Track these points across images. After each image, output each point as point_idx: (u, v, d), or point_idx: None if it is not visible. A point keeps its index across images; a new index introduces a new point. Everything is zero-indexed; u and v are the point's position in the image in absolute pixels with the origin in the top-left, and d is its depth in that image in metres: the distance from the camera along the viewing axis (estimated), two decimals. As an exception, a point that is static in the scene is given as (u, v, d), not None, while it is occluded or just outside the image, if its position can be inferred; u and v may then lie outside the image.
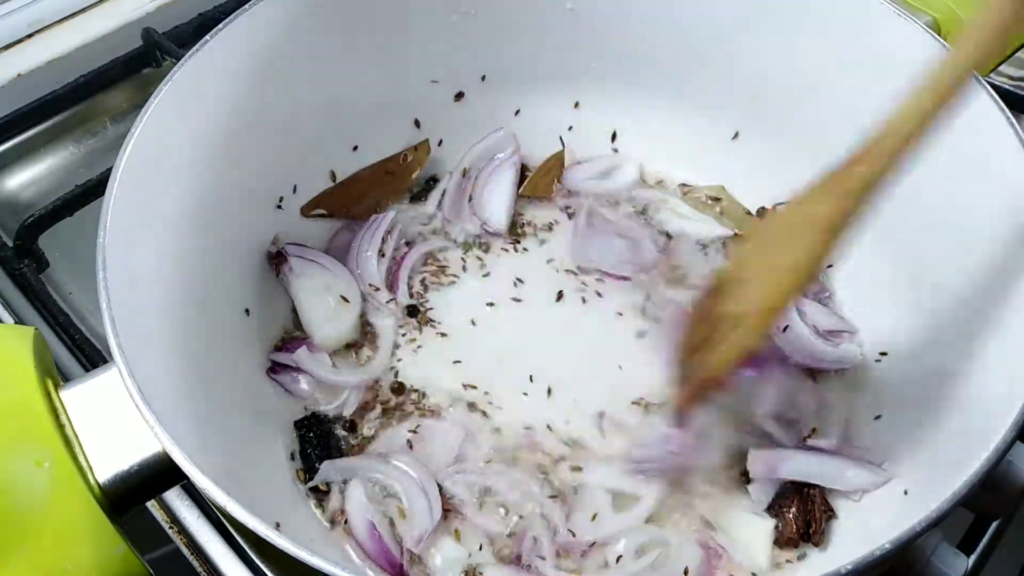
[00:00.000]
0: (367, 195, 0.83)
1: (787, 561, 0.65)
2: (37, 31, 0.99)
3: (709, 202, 0.85)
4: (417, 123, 0.85)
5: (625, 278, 0.80)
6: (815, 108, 0.77)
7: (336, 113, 0.80)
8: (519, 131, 0.86)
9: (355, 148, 0.83)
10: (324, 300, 0.76)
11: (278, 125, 0.74)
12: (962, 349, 0.62)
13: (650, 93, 0.85)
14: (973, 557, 0.68)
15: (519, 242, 0.83)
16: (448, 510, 0.66)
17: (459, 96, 0.86)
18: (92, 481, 0.50)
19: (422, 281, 0.80)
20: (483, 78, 0.85)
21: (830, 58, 0.74)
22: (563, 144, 0.86)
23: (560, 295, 0.79)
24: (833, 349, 0.74)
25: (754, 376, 0.71)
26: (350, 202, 0.82)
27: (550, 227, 0.84)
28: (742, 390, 0.70)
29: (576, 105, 0.88)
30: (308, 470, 0.68)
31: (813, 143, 0.79)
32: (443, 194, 0.84)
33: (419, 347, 0.76)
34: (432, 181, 0.86)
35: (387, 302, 0.77)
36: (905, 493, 0.59)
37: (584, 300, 0.79)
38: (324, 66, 0.76)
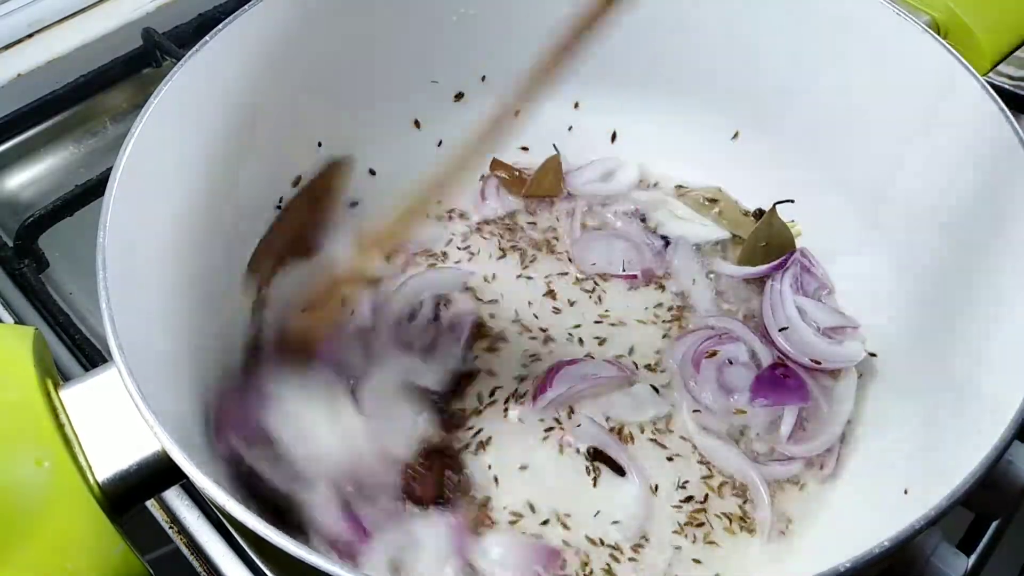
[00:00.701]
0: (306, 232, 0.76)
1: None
2: (37, 31, 0.99)
3: (706, 203, 0.85)
4: (417, 123, 0.85)
5: (626, 277, 0.80)
6: (814, 108, 0.77)
7: (337, 113, 0.80)
8: (519, 131, 0.86)
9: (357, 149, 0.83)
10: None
11: (278, 125, 0.74)
12: (961, 348, 0.62)
13: (650, 94, 0.85)
14: (973, 557, 0.69)
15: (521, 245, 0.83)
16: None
17: (459, 96, 0.86)
18: (92, 481, 0.50)
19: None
20: (483, 78, 0.85)
21: (829, 58, 0.74)
22: (556, 150, 0.86)
23: (555, 296, 0.79)
24: (837, 347, 0.74)
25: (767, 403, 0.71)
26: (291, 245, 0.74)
27: (552, 230, 0.84)
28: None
29: (576, 106, 0.88)
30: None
31: (813, 143, 0.79)
32: None
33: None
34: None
35: None
36: (905, 492, 0.59)
37: (589, 299, 0.79)
38: (324, 66, 0.76)
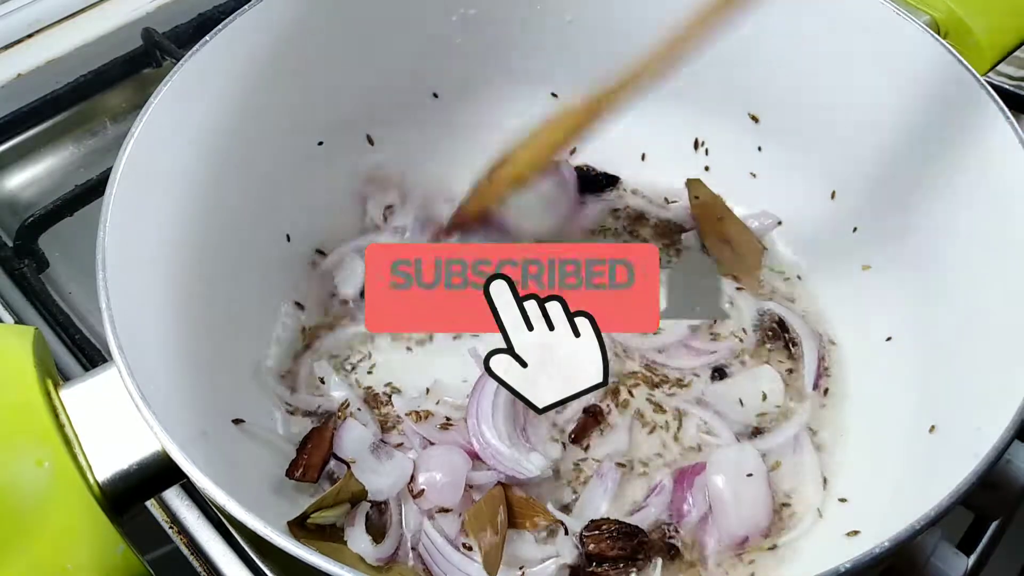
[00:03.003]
0: None
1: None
2: (37, 31, 0.99)
3: None
4: (418, 125, 0.85)
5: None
6: (813, 107, 0.77)
7: (337, 113, 0.80)
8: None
9: (358, 149, 0.83)
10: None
11: (278, 124, 0.74)
12: (961, 347, 0.62)
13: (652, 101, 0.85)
14: (973, 557, 0.68)
15: None
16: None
17: (459, 99, 0.85)
18: (92, 481, 0.50)
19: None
20: (484, 80, 0.85)
21: (828, 58, 0.74)
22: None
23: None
24: None
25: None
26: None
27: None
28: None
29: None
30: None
31: (810, 141, 0.79)
32: None
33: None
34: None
35: None
36: (905, 491, 0.59)
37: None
38: (325, 66, 0.76)
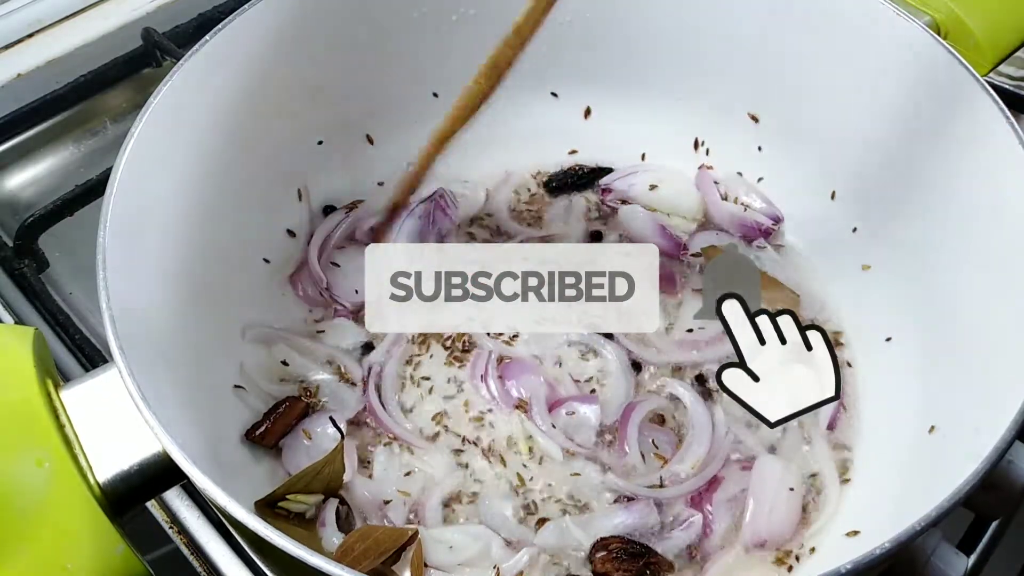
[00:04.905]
0: None
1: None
2: (37, 31, 0.99)
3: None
4: (418, 125, 0.85)
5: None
6: (813, 108, 0.77)
7: (337, 113, 0.80)
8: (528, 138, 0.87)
9: (358, 149, 0.83)
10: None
11: (278, 124, 0.74)
12: (961, 347, 0.62)
13: (651, 94, 0.85)
14: (973, 557, 0.69)
15: None
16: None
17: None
18: (92, 481, 0.50)
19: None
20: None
21: (829, 58, 0.74)
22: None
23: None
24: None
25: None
26: None
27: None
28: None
29: (587, 113, 0.88)
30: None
31: (810, 142, 0.79)
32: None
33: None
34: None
35: None
36: (905, 492, 0.59)
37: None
38: (324, 66, 0.76)
